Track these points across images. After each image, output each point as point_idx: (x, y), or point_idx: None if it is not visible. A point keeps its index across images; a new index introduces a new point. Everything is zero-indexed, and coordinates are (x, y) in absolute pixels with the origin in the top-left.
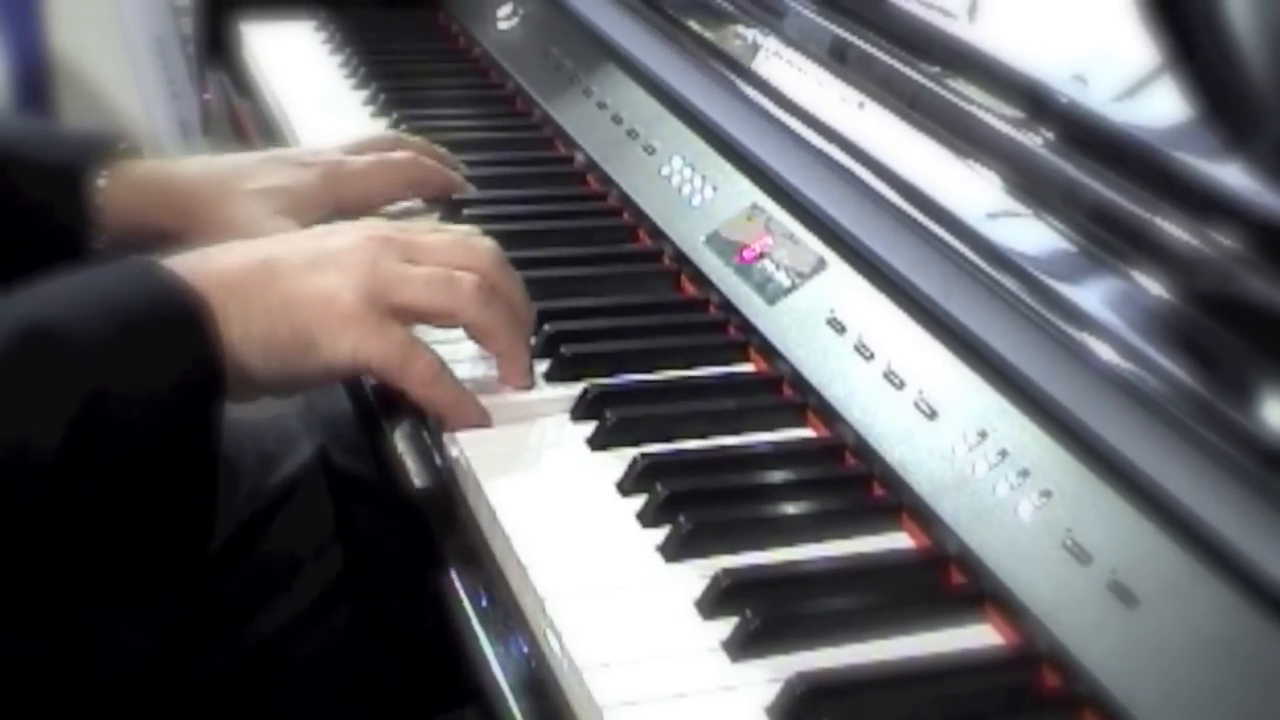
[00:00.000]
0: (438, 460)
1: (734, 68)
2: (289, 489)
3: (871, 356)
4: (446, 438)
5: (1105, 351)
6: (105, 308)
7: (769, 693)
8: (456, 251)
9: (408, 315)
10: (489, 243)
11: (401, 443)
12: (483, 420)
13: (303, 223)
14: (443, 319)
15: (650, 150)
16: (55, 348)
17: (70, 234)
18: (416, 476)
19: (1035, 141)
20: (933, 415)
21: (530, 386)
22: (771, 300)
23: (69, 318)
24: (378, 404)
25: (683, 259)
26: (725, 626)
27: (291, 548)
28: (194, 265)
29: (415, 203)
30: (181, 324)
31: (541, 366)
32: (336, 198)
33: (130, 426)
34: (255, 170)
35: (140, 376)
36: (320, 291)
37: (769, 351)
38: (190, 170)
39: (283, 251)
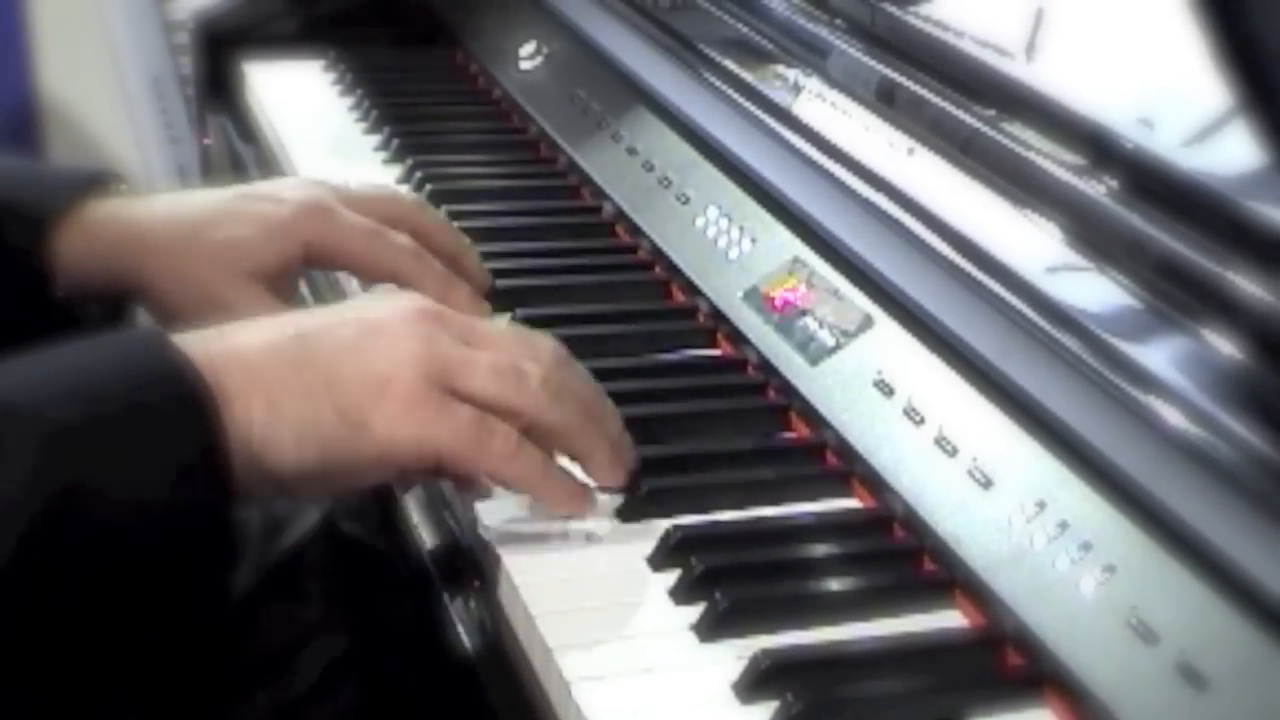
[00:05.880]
0: (454, 530)
1: (774, 111)
2: (293, 559)
3: (922, 421)
4: (464, 506)
5: (1173, 415)
6: (89, 386)
7: None
8: (518, 345)
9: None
10: (553, 341)
11: (415, 512)
12: (576, 491)
13: (270, 283)
14: (505, 415)
15: (684, 199)
16: (19, 432)
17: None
18: (430, 546)
19: (1098, 190)
20: (988, 484)
21: (623, 483)
22: (814, 361)
23: (40, 396)
24: None
25: (719, 316)
26: (765, 712)
27: (295, 622)
28: (208, 343)
29: None
30: (183, 407)
31: None
32: (306, 246)
33: (110, 533)
34: (223, 215)
35: (127, 470)
36: (372, 369)
37: (811, 416)
38: (154, 214)
39: (319, 324)
